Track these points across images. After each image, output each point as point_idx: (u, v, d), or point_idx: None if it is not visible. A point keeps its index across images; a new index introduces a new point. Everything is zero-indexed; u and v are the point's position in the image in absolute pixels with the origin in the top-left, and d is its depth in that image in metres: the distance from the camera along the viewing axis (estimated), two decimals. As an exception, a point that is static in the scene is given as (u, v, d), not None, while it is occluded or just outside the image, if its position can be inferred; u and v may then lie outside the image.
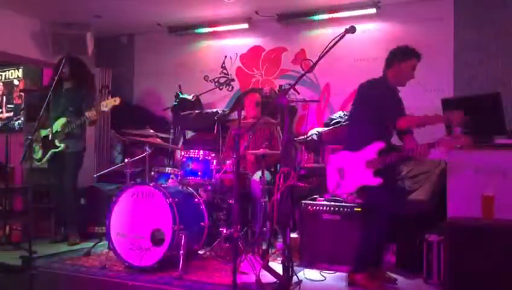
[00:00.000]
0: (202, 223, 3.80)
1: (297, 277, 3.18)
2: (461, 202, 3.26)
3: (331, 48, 3.05)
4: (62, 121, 4.50)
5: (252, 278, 3.21)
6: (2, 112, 7.22)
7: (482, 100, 3.71)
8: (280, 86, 5.37)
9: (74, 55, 4.82)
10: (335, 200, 3.98)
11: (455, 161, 3.37)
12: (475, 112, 3.53)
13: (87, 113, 4.36)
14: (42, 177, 4.99)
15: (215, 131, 5.18)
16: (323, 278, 3.48)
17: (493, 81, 4.49)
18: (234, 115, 5.26)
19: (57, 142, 4.49)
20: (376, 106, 3.25)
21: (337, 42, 3.06)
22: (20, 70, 6.94)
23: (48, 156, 4.54)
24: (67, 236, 4.65)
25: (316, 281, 3.44)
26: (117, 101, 4.28)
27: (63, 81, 4.63)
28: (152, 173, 4.10)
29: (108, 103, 4.28)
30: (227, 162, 4.01)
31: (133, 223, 3.62)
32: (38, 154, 4.59)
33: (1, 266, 3.87)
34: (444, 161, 3.81)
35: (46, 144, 4.55)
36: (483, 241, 2.92)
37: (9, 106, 7.13)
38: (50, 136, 4.52)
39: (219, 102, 5.91)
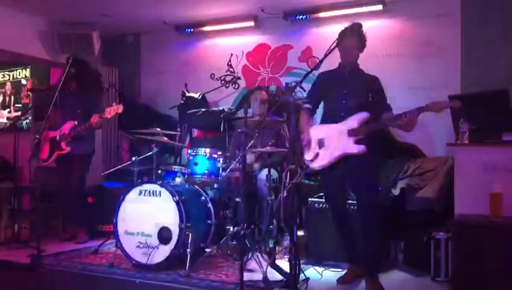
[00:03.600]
0: (209, 221, 3.81)
1: (304, 274, 3.18)
2: (469, 199, 3.24)
3: (337, 45, 3.04)
4: (70, 124, 4.53)
5: (259, 276, 3.21)
6: (10, 112, 7.27)
7: (490, 97, 3.68)
8: (286, 84, 5.36)
9: (80, 56, 4.85)
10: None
11: (463, 158, 3.35)
12: (483, 109, 3.53)
13: (91, 119, 4.38)
14: (50, 177, 5.02)
15: (221, 129, 5.18)
16: (330, 276, 3.49)
17: (501, 78, 4.45)
18: (240, 113, 5.26)
19: (63, 145, 4.52)
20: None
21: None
22: (28, 69, 6.98)
23: (54, 157, 4.57)
24: (76, 234, 4.68)
25: (322, 279, 3.44)
26: (119, 109, 4.29)
27: (71, 83, 4.65)
28: (159, 171, 4.11)
29: (112, 111, 4.29)
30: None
31: (140, 221, 3.64)
32: (45, 154, 4.62)
33: (10, 264, 3.90)
34: (452, 158, 3.79)
35: (53, 145, 4.58)
36: (491, 239, 2.90)
37: (17, 105, 7.18)
38: (58, 137, 4.55)
39: (225, 100, 5.91)
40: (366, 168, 3.19)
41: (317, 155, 3.31)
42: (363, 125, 3.17)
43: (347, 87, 3.31)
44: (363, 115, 3.18)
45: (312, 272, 3.54)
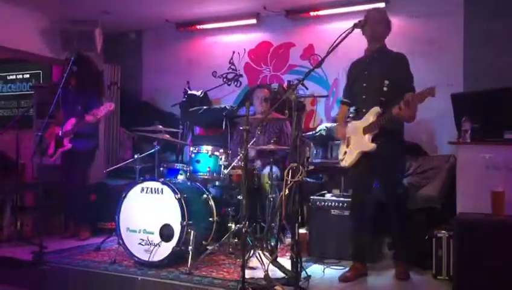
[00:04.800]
0: (211, 219, 3.81)
1: (305, 272, 3.19)
2: (471, 197, 3.23)
3: (339, 42, 3.04)
4: (71, 121, 4.54)
5: (260, 273, 3.22)
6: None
7: (492, 95, 3.67)
8: (288, 82, 5.35)
9: (82, 53, 4.85)
10: (344, 196, 3.98)
11: (465, 156, 3.34)
12: (485, 107, 3.51)
13: (86, 117, 4.39)
14: (53, 174, 5.03)
15: (223, 127, 5.18)
16: (332, 273, 3.49)
17: (503, 76, 4.43)
18: (242, 111, 5.26)
19: (65, 142, 4.53)
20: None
21: (345, 37, 3.05)
22: (30, 66, 6.99)
23: (57, 153, 4.58)
24: (78, 232, 4.69)
25: (324, 276, 3.44)
26: (112, 106, 4.35)
27: (71, 79, 4.65)
28: (161, 168, 4.12)
29: (103, 109, 4.31)
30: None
31: (142, 218, 3.64)
32: (51, 150, 4.63)
33: (12, 260, 3.92)
34: (454, 156, 3.79)
35: (58, 141, 4.59)
36: (492, 238, 2.90)
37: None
38: (60, 133, 4.56)
39: (227, 98, 5.91)
40: (385, 167, 3.30)
41: (345, 154, 3.43)
42: (375, 120, 3.23)
43: (366, 79, 3.37)
44: (376, 110, 3.24)
45: (314, 269, 3.54)
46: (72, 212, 4.83)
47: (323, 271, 3.52)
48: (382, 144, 3.22)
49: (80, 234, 4.65)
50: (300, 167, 2.99)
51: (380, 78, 3.29)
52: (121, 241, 3.69)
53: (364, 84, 3.37)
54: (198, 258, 3.55)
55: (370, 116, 3.26)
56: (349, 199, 3.85)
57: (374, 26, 3.32)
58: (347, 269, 3.44)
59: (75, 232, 4.72)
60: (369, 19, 3.32)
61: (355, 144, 3.35)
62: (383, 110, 3.22)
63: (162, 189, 3.63)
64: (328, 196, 4.02)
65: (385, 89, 3.26)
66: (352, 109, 3.58)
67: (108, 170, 4.91)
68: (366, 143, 3.25)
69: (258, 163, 4.37)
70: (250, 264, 3.49)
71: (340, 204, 3.86)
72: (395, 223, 3.39)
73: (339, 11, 5.19)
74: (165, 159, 5.54)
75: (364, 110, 3.33)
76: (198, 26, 5.96)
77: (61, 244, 4.40)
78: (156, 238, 3.56)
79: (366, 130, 3.26)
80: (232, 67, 5.94)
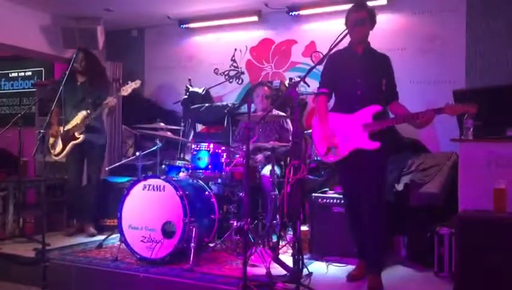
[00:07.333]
0: (213, 216, 3.82)
1: (307, 269, 3.19)
2: (473, 195, 3.23)
3: (341, 40, 3.03)
4: (83, 113, 4.55)
5: (262, 270, 3.23)
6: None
7: (494, 92, 3.66)
8: (290, 79, 5.35)
9: (88, 49, 4.89)
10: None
11: (467, 153, 3.34)
12: (488, 104, 3.51)
13: (108, 99, 4.43)
14: (55, 171, 5.04)
15: (225, 124, 5.19)
16: (334, 271, 3.49)
17: (506, 73, 4.43)
18: (244, 108, 5.26)
19: (76, 134, 4.55)
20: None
21: (347, 34, 3.05)
22: (32, 64, 7.01)
23: (68, 148, 4.58)
24: (84, 228, 4.71)
25: (325, 273, 3.45)
26: (137, 83, 4.44)
27: (77, 75, 4.67)
28: (163, 166, 4.12)
29: (129, 87, 4.39)
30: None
31: (144, 215, 3.65)
32: (58, 148, 4.62)
33: (15, 257, 3.94)
34: (456, 154, 3.78)
35: (66, 137, 4.59)
36: (494, 235, 2.89)
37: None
38: (70, 128, 4.56)
39: (229, 95, 5.91)
40: (376, 167, 3.16)
41: (329, 149, 3.23)
42: (377, 119, 3.13)
43: (360, 76, 3.20)
44: (376, 109, 3.13)
45: (315, 266, 3.54)
46: (79, 208, 4.82)
47: (326, 268, 3.51)
48: (379, 142, 3.12)
49: (87, 230, 4.66)
50: (302, 164, 2.98)
51: (378, 77, 3.20)
52: (123, 239, 3.70)
53: (358, 80, 3.20)
54: (200, 256, 3.56)
55: (368, 114, 3.13)
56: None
57: (357, 32, 3.22)
58: (353, 267, 3.41)
59: (79, 229, 4.74)
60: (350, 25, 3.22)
61: (349, 138, 3.17)
62: (383, 109, 3.17)
63: (164, 186, 3.64)
64: (329, 193, 4.01)
65: (383, 88, 3.19)
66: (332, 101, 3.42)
67: (110, 167, 4.93)
68: (366, 140, 3.12)
69: (259, 157, 4.34)
70: (252, 261, 3.50)
71: (342, 201, 3.86)
72: (372, 227, 3.15)
73: (341, 8, 5.15)
74: (167, 156, 5.55)
75: (356, 107, 3.17)
76: (200, 24, 5.95)
77: (63, 241, 4.42)
78: (158, 235, 3.57)
79: (367, 127, 3.12)
80: (234, 64, 5.93)
